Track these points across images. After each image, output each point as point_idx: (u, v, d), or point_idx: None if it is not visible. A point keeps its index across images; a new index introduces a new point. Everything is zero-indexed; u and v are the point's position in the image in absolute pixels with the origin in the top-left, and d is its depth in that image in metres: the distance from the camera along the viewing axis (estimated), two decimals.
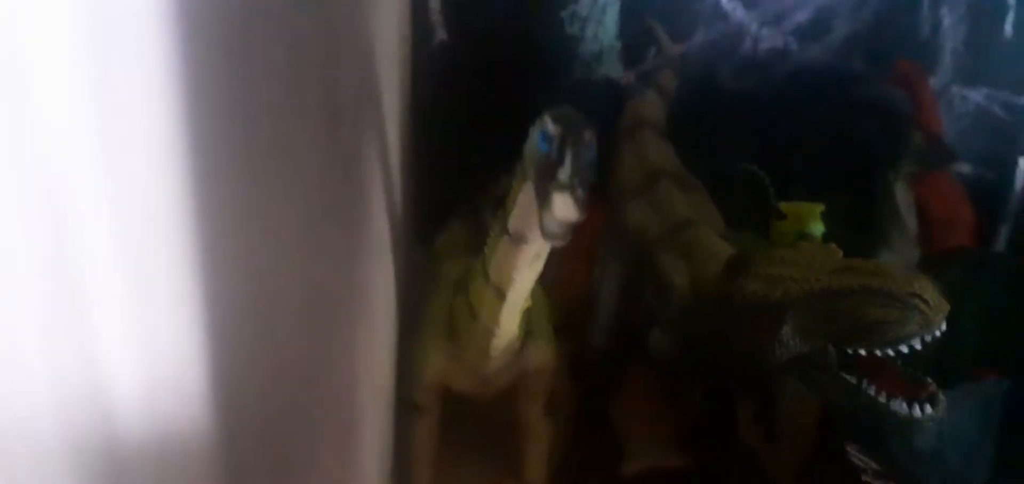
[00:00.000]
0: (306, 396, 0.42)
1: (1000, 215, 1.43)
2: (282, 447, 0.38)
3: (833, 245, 0.83)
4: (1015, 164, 1.41)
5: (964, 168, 1.42)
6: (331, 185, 0.44)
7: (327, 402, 0.48)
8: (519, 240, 0.71)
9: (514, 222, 0.71)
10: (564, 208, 0.59)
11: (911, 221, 1.17)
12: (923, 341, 0.73)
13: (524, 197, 0.69)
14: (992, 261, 1.27)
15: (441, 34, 1.32)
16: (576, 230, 1.15)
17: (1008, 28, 1.35)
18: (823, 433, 1.06)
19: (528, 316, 0.89)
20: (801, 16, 1.35)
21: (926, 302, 0.73)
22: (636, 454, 1.08)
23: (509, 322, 0.82)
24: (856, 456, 0.94)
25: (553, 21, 1.33)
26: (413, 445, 0.97)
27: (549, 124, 0.61)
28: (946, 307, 0.74)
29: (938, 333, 0.73)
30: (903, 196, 1.16)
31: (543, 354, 0.94)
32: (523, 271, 0.75)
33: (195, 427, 0.31)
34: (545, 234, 0.61)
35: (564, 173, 0.59)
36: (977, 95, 1.39)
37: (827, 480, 1.02)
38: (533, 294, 0.92)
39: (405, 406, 0.96)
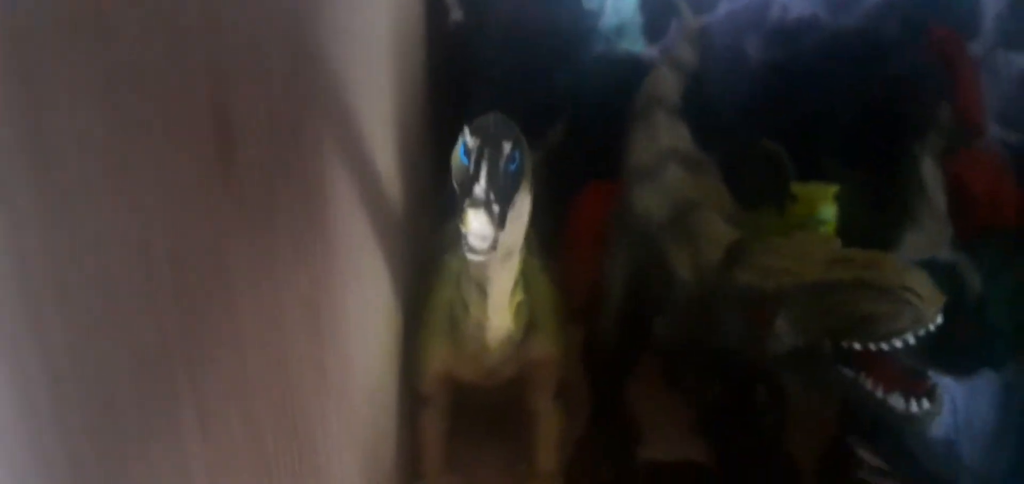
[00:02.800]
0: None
1: None
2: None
3: (831, 234, 0.80)
4: None
5: (1011, 137, 1.35)
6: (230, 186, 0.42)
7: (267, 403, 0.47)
8: (467, 250, 0.70)
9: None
10: (478, 223, 0.57)
11: (940, 198, 1.12)
12: (917, 335, 0.70)
13: None
14: None
15: (457, 14, 1.30)
16: (595, 215, 1.15)
17: None
18: (843, 421, 1.02)
19: (528, 308, 0.88)
20: None
21: (919, 295, 0.70)
22: (652, 440, 1.06)
23: (498, 317, 0.81)
24: (858, 450, 0.91)
25: None
26: (421, 434, 0.98)
27: (468, 136, 0.60)
28: (941, 300, 0.71)
29: (933, 326, 0.70)
30: (931, 172, 1.11)
31: (548, 345, 0.93)
32: (496, 270, 0.75)
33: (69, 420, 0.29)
34: (466, 248, 0.60)
35: (479, 189, 0.57)
36: (1023, 60, 1.32)
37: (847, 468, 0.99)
38: (536, 285, 0.92)
39: (413, 396, 0.96)
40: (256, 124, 0.44)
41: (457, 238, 0.95)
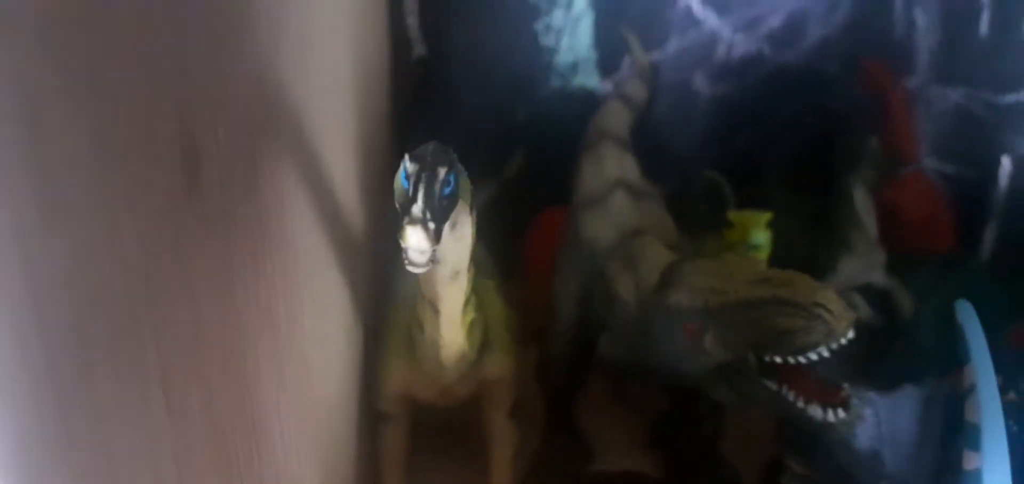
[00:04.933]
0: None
1: (985, 215, 1.43)
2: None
3: (755, 256, 0.86)
4: (997, 163, 1.41)
5: (946, 168, 1.42)
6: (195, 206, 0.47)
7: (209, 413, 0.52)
8: (408, 264, 0.75)
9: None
10: (414, 238, 0.63)
11: (871, 224, 1.19)
12: (830, 349, 0.76)
13: None
14: (959, 264, 1.28)
15: (419, 49, 1.36)
16: (551, 242, 1.21)
17: (984, 27, 1.35)
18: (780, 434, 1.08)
19: (482, 328, 0.93)
20: (774, 21, 1.37)
21: (830, 312, 0.76)
22: (604, 455, 1.11)
23: (450, 335, 0.86)
24: (786, 457, 0.97)
25: (528, 33, 1.36)
26: (381, 453, 1.02)
27: (407, 162, 0.66)
28: (851, 316, 0.77)
29: (845, 340, 0.76)
30: (862, 200, 1.18)
31: (501, 364, 0.98)
32: (446, 288, 0.80)
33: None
34: (406, 262, 0.65)
35: (416, 208, 0.63)
36: (956, 94, 1.39)
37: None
38: (490, 307, 0.97)
39: (373, 414, 1.01)
40: (217, 149, 0.49)
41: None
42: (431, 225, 0.63)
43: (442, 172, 0.65)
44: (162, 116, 0.43)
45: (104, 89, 0.37)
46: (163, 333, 0.43)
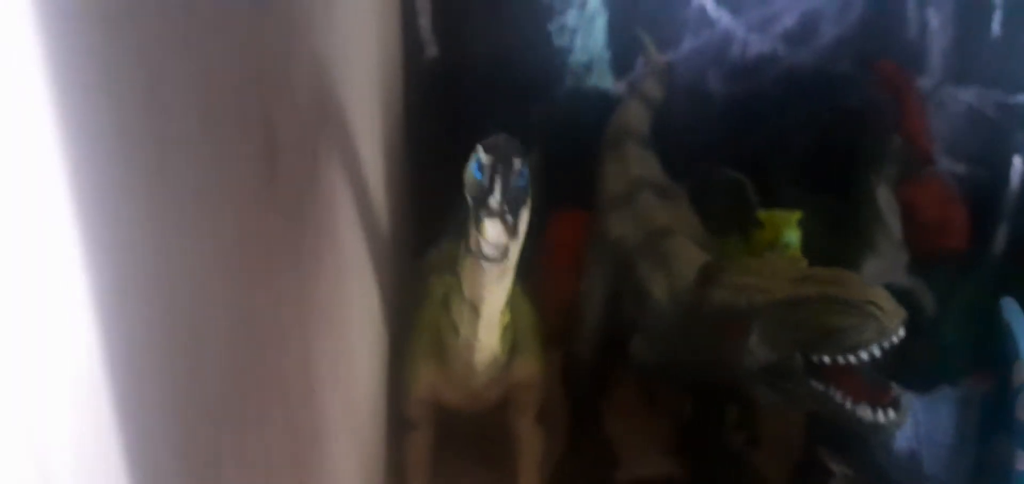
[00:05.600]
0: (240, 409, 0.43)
1: (997, 215, 1.43)
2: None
3: (798, 255, 0.85)
4: (1010, 163, 1.41)
5: (958, 168, 1.42)
6: (272, 207, 0.46)
7: (270, 416, 0.50)
8: (482, 258, 0.74)
9: (474, 242, 0.74)
10: (494, 232, 0.62)
11: (895, 224, 1.18)
12: (882, 347, 0.75)
13: None
14: (980, 263, 1.28)
15: (432, 50, 1.34)
16: (568, 243, 1.20)
17: (996, 27, 1.35)
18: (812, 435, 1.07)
19: (512, 331, 0.92)
20: (788, 20, 1.36)
21: (882, 309, 0.75)
22: (629, 461, 1.10)
23: (488, 337, 0.84)
24: (827, 459, 0.96)
25: (542, 33, 1.35)
26: (407, 459, 1.00)
27: (482, 154, 0.64)
28: (902, 314, 0.76)
29: (896, 339, 0.75)
30: (885, 200, 1.17)
31: (530, 368, 0.97)
32: (491, 288, 0.78)
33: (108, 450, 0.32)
34: (481, 255, 0.64)
35: (494, 200, 0.62)
36: (968, 95, 1.39)
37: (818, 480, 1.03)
38: (518, 309, 0.96)
39: (399, 420, 0.98)
40: (290, 140, 0.48)
41: (445, 261, 1.00)
42: (509, 218, 0.62)
43: (517, 163, 0.64)
44: (248, 103, 0.41)
45: (205, 73, 0.35)
46: (252, 332, 0.41)
